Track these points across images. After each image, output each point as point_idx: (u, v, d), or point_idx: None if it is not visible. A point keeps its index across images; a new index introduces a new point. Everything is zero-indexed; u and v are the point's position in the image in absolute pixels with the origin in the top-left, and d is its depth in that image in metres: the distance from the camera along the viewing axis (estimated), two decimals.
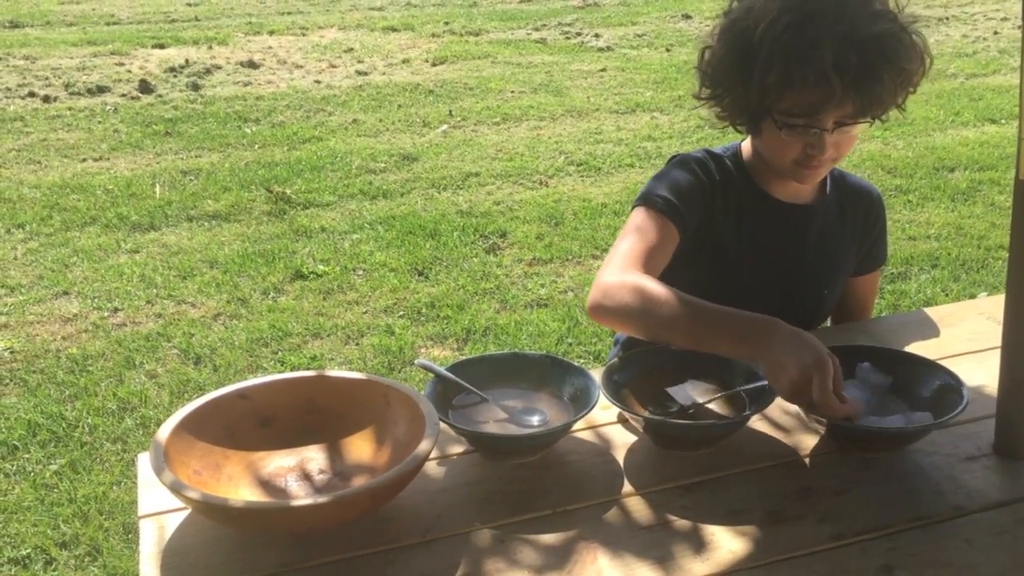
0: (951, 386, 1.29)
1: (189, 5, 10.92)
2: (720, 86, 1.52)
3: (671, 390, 1.37)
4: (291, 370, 3.16)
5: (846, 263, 1.74)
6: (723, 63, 1.49)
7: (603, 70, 7.64)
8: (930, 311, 1.74)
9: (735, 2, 1.49)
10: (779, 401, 1.29)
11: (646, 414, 1.31)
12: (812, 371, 1.18)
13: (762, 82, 1.41)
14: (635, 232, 1.52)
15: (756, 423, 1.35)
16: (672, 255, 1.54)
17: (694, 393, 1.36)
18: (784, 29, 1.38)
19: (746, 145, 1.66)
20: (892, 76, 1.39)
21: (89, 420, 2.86)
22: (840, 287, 1.75)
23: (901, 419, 1.27)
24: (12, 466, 2.66)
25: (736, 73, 1.46)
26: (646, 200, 1.55)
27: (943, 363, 1.36)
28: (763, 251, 1.64)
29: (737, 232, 1.61)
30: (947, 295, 3.70)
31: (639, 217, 1.54)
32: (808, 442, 1.31)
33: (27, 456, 2.70)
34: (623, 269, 1.45)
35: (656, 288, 1.38)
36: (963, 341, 1.59)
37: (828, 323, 1.83)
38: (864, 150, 5.49)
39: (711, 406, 1.35)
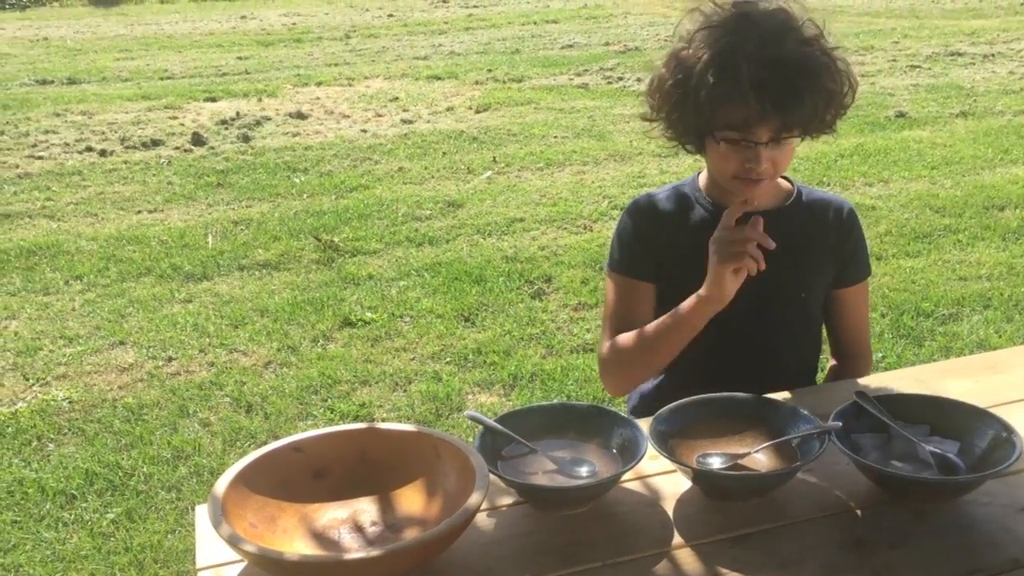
0: (1004, 435, 1.28)
1: (239, 59, 11.21)
2: (663, 107, 1.65)
3: None
4: (341, 418, 3.20)
5: (821, 269, 1.76)
6: (664, 85, 1.62)
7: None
8: (981, 357, 1.72)
9: (684, 31, 1.63)
10: (829, 451, 1.29)
11: (695, 465, 1.32)
12: (732, 248, 1.47)
13: (695, 101, 1.56)
14: (609, 297, 1.78)
15: (806, 473, 1.34)
16: (658, 294, 1.74)
17: None
18: (716, 53, 1.53)
19: (702, 175, 1.80)
20: (813, 96, 1.53)
21: (144, 469, 2.92)
22: (818, 293, 1.78)
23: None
24: (70, 515, 2.72)
25: (676, 94, 1.60)
26: (608, 263, 1.80)
27: (995, 411, 1.34)
28: None
29: (704, 250, 1.61)
30: (1000, 336, 3.64)
31: (609, 282, 1.79)
32: (859, 493, 1.30)
33: (84, 505, 2.76)
34: (608, 339, 1.72)
35: (626, 340, 1.67)
36: (1016, 388, 1.57)
37: (827, 346, 1.88)
38: (911, 190, 5.45)
39: (759, 456, 1.35)
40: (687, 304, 1.57)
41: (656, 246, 1.75)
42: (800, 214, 1.76)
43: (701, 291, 1.54)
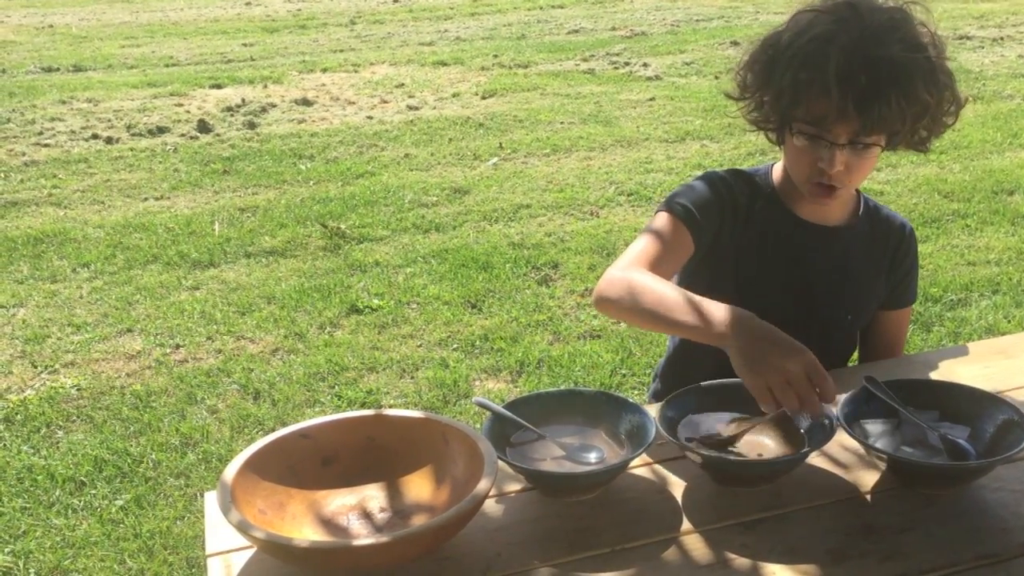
0: (1014, 420, 1.27)
1: (244, 45, 11.19)
2: (749, 88, 1.59)
3: None
4: (348, 405, 3.20)
5: (873, 292, 1.72)
6: (755, 65, 1.56)
7: (652, 99, 7.66)
8: (991, 342, 1.71)
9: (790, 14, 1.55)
10: (839, 436, 1.28)
11: (704, 450, 1.31)
12: (797, 374, 1.22)
13: (778, 86, 1.50)
14: (649, 233, 1.60)
15: (815, 459, 1.34)
16: (692, 268, 1.62)
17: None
18: (809, 39, 1.45)
19: (778, 167, 1.70)
20: (901, 101, 1.41)
21: (153, 456, 2.93)
22: (866, 316, 1.74)
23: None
24: (80, 501, 2.73)
25: (761, 75, 1.54)
26: (667, 205, 1.62)
27: (1005, 396, 1.34)
28: (784, 268, 1.66)
29: (760, 249, 1.65)
30: (1009, 321, 3.62)
31: (658, 220, 1.61)
32: (869, 478, 1.29)
33: (94, 492, 2.77)
34: (628, 265, 1.53)
35: (646, 281, 1.46)
36: None
37: (856, 359, 1.82)
38: (920, 175, 5.42)
39: (769, 441, 1.34)
40: (708, 315, 1.34)
41: (728, 218, 1.63)
42: (861, 234, 1.69)
43: (724, 325, 1.31)
